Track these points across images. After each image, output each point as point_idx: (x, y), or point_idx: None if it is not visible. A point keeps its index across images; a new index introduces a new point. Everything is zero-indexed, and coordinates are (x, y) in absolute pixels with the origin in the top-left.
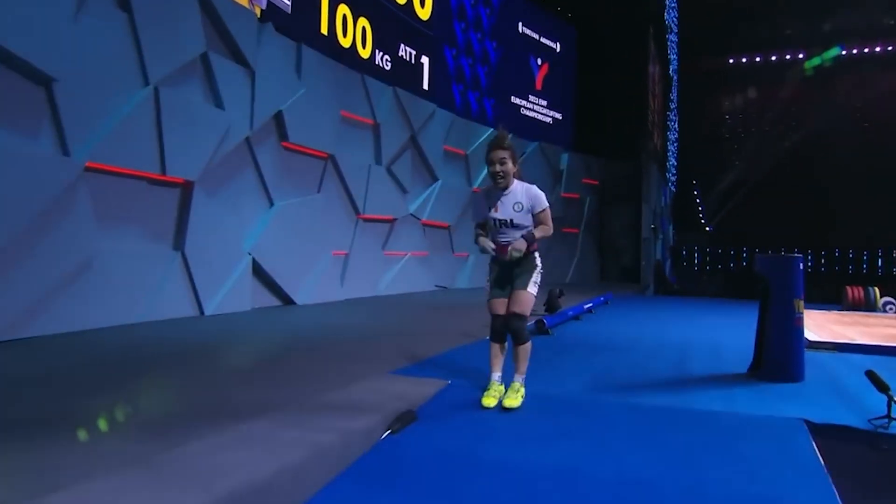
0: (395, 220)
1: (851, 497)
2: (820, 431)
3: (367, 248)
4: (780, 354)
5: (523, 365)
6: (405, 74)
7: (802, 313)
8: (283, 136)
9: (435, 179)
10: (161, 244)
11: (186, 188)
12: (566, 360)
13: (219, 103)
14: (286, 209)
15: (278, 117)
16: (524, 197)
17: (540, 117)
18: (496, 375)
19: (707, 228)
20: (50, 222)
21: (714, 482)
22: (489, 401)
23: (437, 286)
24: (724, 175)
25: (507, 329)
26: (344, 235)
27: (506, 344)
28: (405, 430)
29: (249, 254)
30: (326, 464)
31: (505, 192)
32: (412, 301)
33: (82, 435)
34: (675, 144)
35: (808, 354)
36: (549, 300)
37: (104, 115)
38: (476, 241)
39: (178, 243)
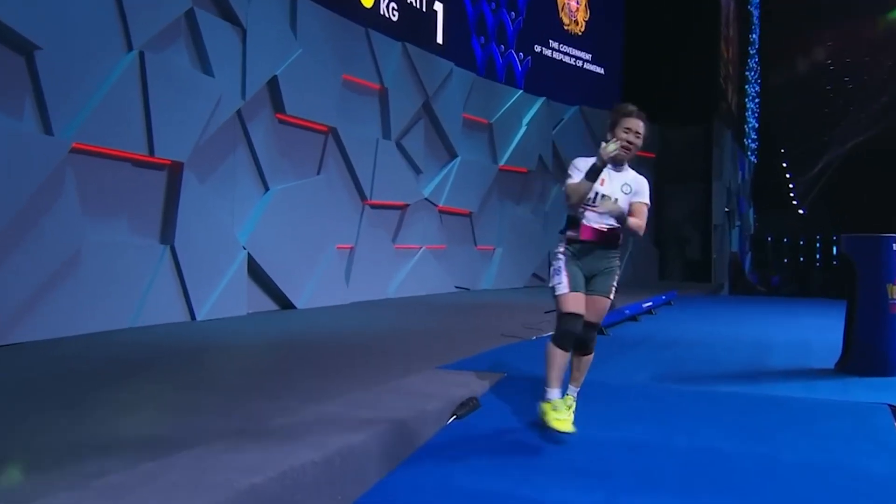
0: (406, 206)
1: None
2: None
3: (375, 241)
4: (870, 345)
5: (583, 377)
6: (416, 26)
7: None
8: (278, 106)
9: (453, 156)
10: (148, 238)
11: (174, 171)
12: (628, 356)
13: (207, 70)
14: (283, 195)
15: (273, 84)
16: (633, 181)
17: (580, 74)
18: (556, 391)
19: (800, 211)
20: (35, 214)
21: (786, 452)
22: (565, 424)
23: (457, 287)
24: (824, 140)
25: (585, 340)
26: (349, 225)
27: (569, 354)
28: (470, 416)
29: (244, 248)
30: (406, 439)
31: (619, 168)
32: (430, 304)
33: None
34: (757, 102)
35: None
36: None
37: (88, 86)
38: (570, 190)
39: (167, 236)
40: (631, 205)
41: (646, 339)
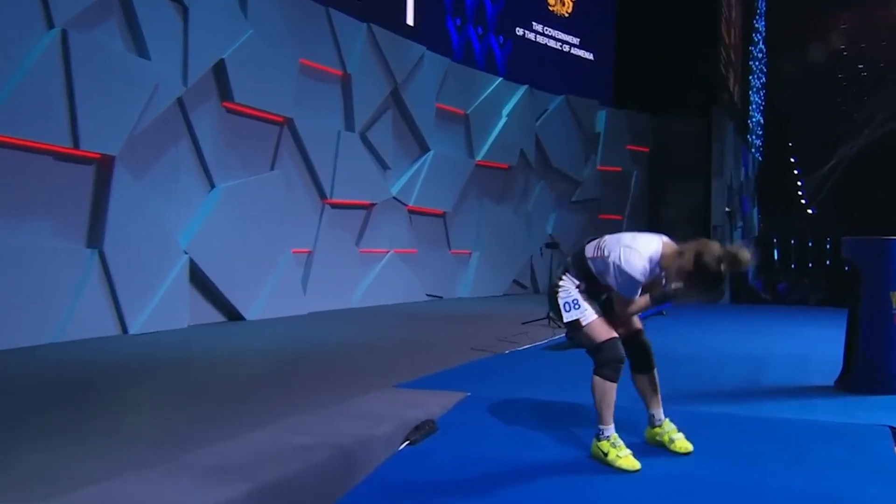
0: (372, 206)
1: None
2: None
3: (337, 245)
4: (872, 360)
5: (659, 393)
6: (383, 5)
7: None
8: (225, 94)
9: (425, 150)
10: (73, 241)
11: (104, 165)
12: None
13: (143, 52)
14: (231, 193)
15: (219, 70)
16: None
17: (567, 60)
18: (612, 428)
19: (809, 210)
20: None
21: (773, 481)
22: (630, 461)
23: (428, 295)
24: (836, 134)
25: (644, 351)
26: (306, 227)
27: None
28: (425, 441)
29: (186, 252)
30: (349, 468)
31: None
32: (398, 314)
33: None
34: (762, 94)
35: None
36: None
37: (2, 69)
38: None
39: (95, 239)
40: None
41: None
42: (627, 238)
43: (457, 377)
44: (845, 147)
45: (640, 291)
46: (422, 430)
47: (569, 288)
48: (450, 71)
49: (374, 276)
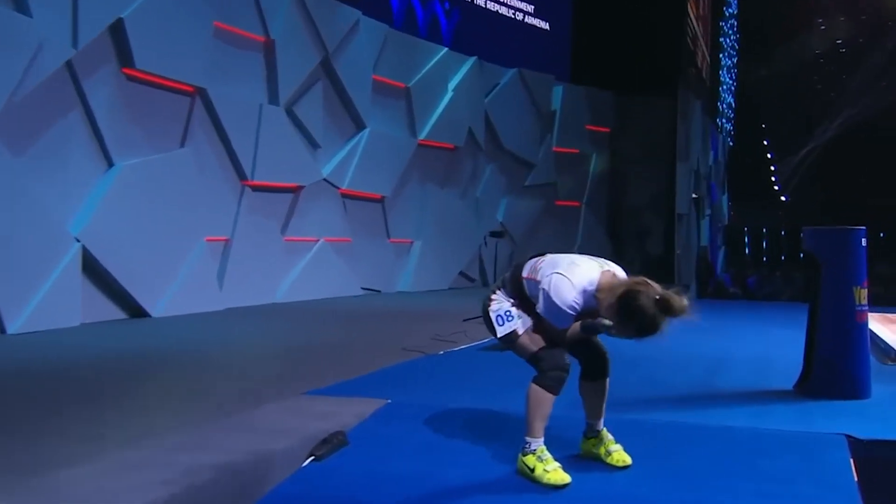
0: (300, 189)
1: None
2: (864, 448)
3: (259, 232)
4: (832, 361)
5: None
6: None
7: (866, 306)
8: (125, 59)
9: (360, 127)
10: None
11: None
12: None
13: (22, 6)
14: (133, 172)
15: (117, 30)
16: None
17: (520, 29)
18: (541, 441)
19: (783, 198)
20: None
21: (713, 499)
22: (559, 475)
23: (364, 289)
24: (813, 117)
25: (599, 357)
26: (223, 212)
27: None
28: (334, 456)
29: (78, 240)
30: (235, 491)
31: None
32: (327, 311)
33: None
34: (734, 72)
35: (893, 369)
36: None
37: None
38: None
39: None
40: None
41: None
42: (564, 264)
43: (379, 382)
44: (823, 129)
45: (572, 322)
46: (329, 444)
47: (501, 301)
48: (389, 39)
49: (302, 267)
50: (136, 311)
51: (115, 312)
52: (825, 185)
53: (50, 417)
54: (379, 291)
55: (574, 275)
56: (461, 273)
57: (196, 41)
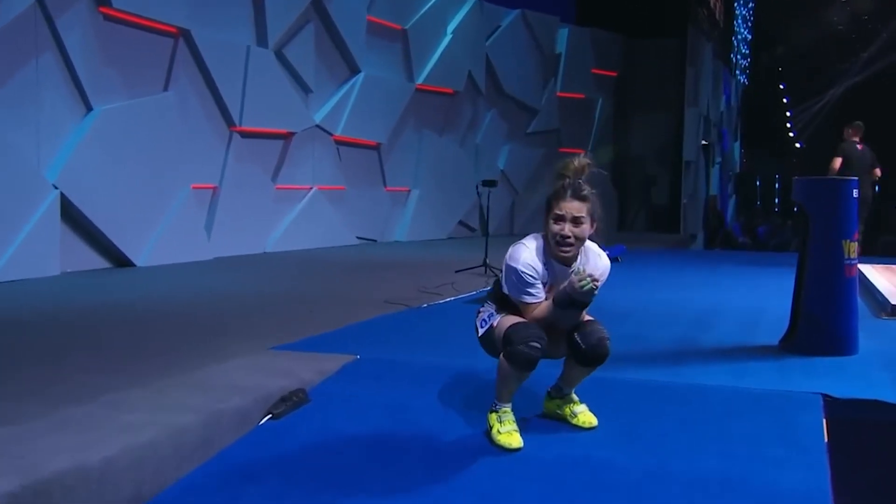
0: (291, 135)
1: (847, 478)
2: (840, 408)
3: (248, 180)
4: (818, 317)
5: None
6: None
7: (855, 259)
8: None
9: (355, 71)
10: None
11: None
12: None
13: None
14: (113, 117)
15: None
16: (590, 270)
17: None
18: (510, 404)
19: (798, 144)
20: None
21: (677, 463)
22: (512, 437)
23: (359, 239)
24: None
25: (599, 355)
26: (210, 160)
27: None
28: (292, 415)
29: (56, 187)
30: (183, 452)
31: (568, 269)
32: (318, 261)
33: None
34: (750, 8)
35: (886, 324)
36: None
37: None
38: (539, 319)
39: None
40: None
41: None
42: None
43: (351, 337)
44: (845, 75)
45: (539, 289)
46: (288, 402)
47: (487, 310)
48: None
49: (294, 216)
50: (120, 260)
51: (98, 262)
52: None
53: (2, 372)
54: (374, 241)
55: (527, 240)
56: (461, 222)
57: None
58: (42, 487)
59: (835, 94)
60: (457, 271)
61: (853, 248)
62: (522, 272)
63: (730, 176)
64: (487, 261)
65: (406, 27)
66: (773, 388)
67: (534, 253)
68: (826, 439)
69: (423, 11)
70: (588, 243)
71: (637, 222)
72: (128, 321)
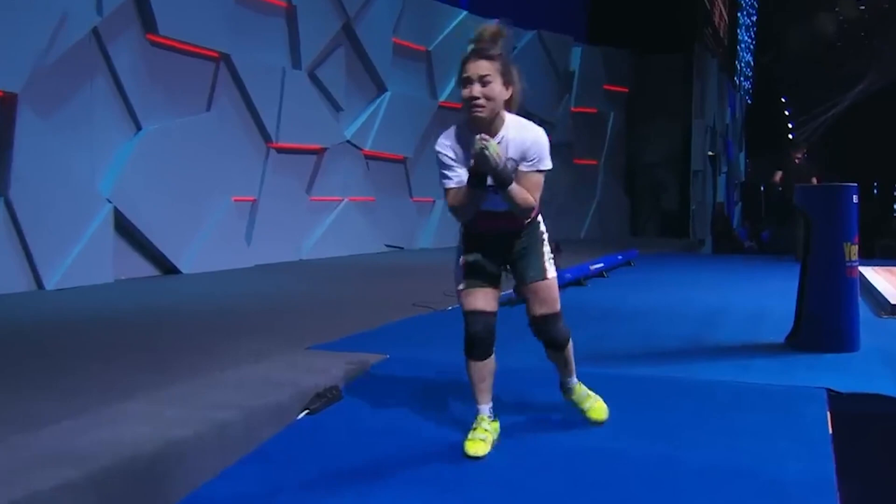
0: (323, 150)
1: (851, 469)
2: (843, 402)
3: (285, 192)
4: (820, 315)
5: (571, 365)
6: None
7: (856, 261)
8: (149, 25)
9: (382, 90)
10: None
11: (6, 105)
12: None
13: None
14: (160, 136)
15: None
16: (516, 144)
17: None
18: (484, 407)
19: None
20: None
21: (686, 453)
22: (478, 446)
23: (387, 246)
24: (833, 77)
25: (542, 336)
26: (249, 174)
27: (493, 360)
28: (327, 410)
29: (109, 201)
30: (224, 445)
31: (489, 132)
32: (350, 267)
33: None
34: (753, 31)
35: (886, 322)
36: None
37: None
38: (456, 207)
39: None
40: (519, 175)
41: (578, 309)
42: None
43: (382, 337)
44: (844, 91)
45: (452, 178)
46: (323, 398)
47: (464, 248)
48: (408, 4)
49: (327, 226)
50: (167, 267)
51: (147, 269)
52: (843, 144)
53: (53, 370)
54: (402, 248)
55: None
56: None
57: (219, 7)
58: (100, 477)
59: (839, 110)
60: None
61: (854, 250)
62: (438, 152)
63: (736, 184)
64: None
65: (430, 48)
66: (778, 382)
67: (452, 132)
68: (830, 431)
69: (445, 33)
70: (513, 116)
71: (648, 228)
72: (174, 323)
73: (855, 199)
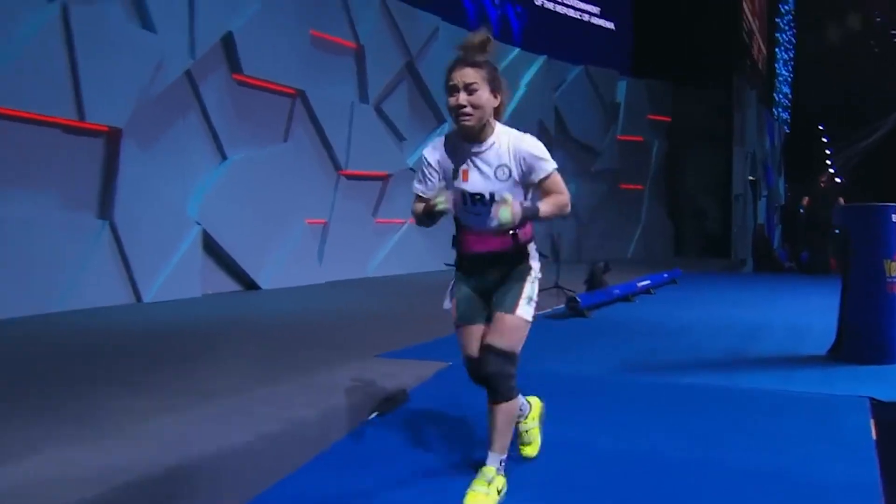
0: (389, 176)
1: (895, 472)
2: (886, 411)
3: (353, 215)
4: (862, 329)
5: (504, 438)
6: None
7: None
8: (234, 66)
9: (441, 121)
10: (83, 212)
11: (112, 138)
12: (597, 342)
13: (148, 24)
14: (243, 164)
15: (227, 42)
16: (512, 156)
17: (586, 29)
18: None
19: (837, 179)
20: None
21: (733, 457)
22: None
23: (447, 265)
24: (869, 108)
25: (482, 370)
26: (321, 198)
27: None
28: (395, 412)
29: (198, 223)
30: (304, 442)
31: (479, 147)
32: (412, 284)
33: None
34: (791, 65)
35: None
36: (592, 276)
37: (1, 42)
38: (413, 213)
39: (105, 210)
40: (534, 186)
41: (627, 323)
42: None
43: (444, 346)
44: (880, 119)
45: (421, 189)
46: (392, 401)
47: (455, 282)
48: None
49: (391, 246)
50: (248, 283)
51: (231, 285)
52: (880, 169)
53: (153, 373)
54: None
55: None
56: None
57: (295, 49)
58: (193, 466)
59: (876, 138)
60: None
61: (894, 267)
62: (422, 158)
63: (776, 207)
64: (559, 283)
65: None
66: (820, 391)
67: (441, 141)
68: (874, 438)
69: (499, 69)
70: (505, 127)
71: (691, 249)
72: (255, 333)
73: (894, 217)
